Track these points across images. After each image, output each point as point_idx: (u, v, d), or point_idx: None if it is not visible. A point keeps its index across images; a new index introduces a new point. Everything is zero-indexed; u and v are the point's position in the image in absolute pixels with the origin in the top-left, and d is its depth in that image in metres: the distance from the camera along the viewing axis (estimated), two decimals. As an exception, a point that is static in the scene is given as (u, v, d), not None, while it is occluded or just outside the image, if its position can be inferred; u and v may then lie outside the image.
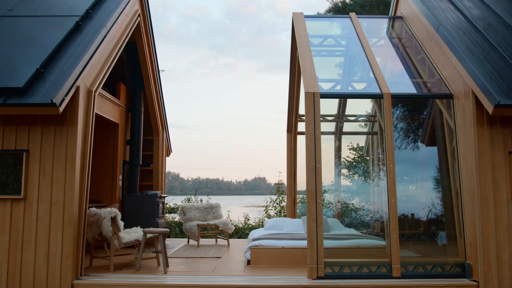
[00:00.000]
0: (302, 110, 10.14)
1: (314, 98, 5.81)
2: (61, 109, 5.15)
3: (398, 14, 8.82)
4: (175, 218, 13.56)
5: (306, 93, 5.86)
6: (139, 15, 8.26)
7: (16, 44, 6.02)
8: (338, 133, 10.29)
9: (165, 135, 10.31)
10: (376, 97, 6.49)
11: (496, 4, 7.57)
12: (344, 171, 17.25)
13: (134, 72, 9.25)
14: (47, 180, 5.45)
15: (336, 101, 9.98)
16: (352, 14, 8.44)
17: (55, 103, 5.00)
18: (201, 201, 14.15)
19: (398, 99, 7.70)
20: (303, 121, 10.12)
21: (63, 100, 5.17)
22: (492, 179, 5.45)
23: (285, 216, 13.90)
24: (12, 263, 5.35)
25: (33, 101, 5.05)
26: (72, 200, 5.42)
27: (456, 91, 6.04)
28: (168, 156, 10.80)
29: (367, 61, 6.89)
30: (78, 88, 5.57)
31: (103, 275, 5.81)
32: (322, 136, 5.78)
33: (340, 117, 10.08)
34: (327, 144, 10.71)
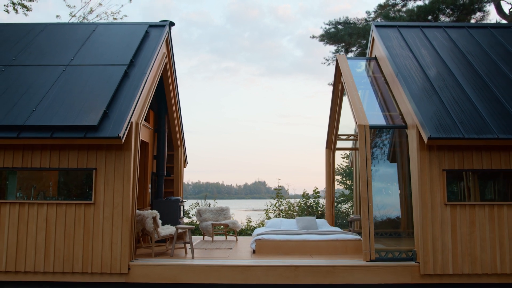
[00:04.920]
0: (340, 130, 12.29)
1: (365, 129, 7.91)
2: (123, 140, 7.29)
3: (373, 55, 10.98)
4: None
5: (359, 125, 7.94)
6: (166, 57, 10.41)
7: (84, 90, 8.16)
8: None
9: (183, 150, 12.43)
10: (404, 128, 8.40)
11: (445, 53, 9.71)
12: (338, 177, 19.48)
13: (160, 100, 11.38)
14: (110, 190, 7.57)
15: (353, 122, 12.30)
16: (380, 58, 10.46)
17: (120, 136, 7.14)
18: (209, 205, 16.29)
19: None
20: (340, 139, 12.33)
21: (124, 134, 7.31)
22: (430, 189, 7.57)
23: (284, 217, 16.01)
24: (86, 250, 7.46)
25: (104, 135, 7.19)
26: (128, 205, 7.53)
27: (408, 123, 8.18)
28: (185, 167, 12.90)
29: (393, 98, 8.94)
30: (131, 123, 7.70)
31: (148, 259, 7.92)
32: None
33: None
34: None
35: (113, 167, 7.61)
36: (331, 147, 12.40)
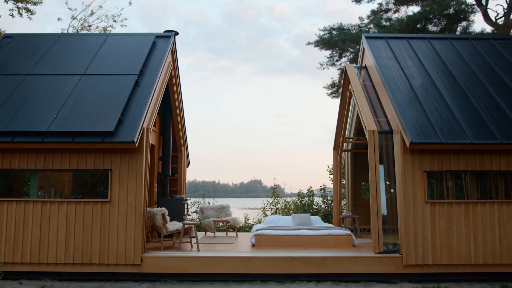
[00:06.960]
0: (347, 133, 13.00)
1: (374, 134, 8.71)
2: (137, 144, 8.10)
3: (363, 64, 11.83)
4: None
5: (368, 130, 8.73)
6: (171, 65, 11.21)
7: (99, 98, 8.96)
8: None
9: (186, 152, 13.24)
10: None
11: (429, 64, 10.57)
12: (332, 176, 20.25)
13: (165, 105, 12.18)
14: (124, 189, 8.37)
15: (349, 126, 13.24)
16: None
17: (134, 141, 7.95)
18: (208, 203, 17.12)
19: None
20: (347, 142, 13.06)
21: (137, 138, 8.12)
22: (412, 188, 8.43)
23: (280, 215, 16.85)
24: (102, 243, 8.26)
25: (120, 140, 7.99)
26: (140, 202, 8.34)
27: (393, 129, 9.03)
28: (187, 167, 13.71)
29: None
30: (143, 129, 8.51)
31: (158, 252, 8.74)
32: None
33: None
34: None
35: (127, 168, 8.41)
36: (338, 149, 13.14)
